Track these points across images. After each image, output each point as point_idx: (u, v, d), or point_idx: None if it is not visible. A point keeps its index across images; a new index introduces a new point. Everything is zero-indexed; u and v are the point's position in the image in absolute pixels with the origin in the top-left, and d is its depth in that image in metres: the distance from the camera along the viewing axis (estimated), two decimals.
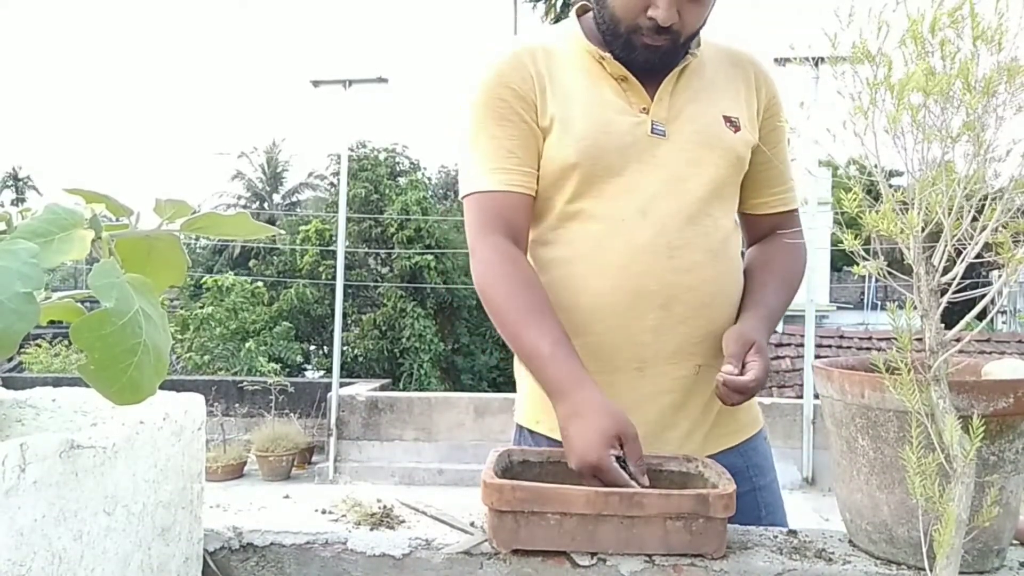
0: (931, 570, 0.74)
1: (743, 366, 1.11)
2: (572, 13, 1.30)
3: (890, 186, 0.77)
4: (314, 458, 8.00)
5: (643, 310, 1.17)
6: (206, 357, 11.82)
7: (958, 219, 0.75)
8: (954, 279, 0.77)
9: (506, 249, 1.17)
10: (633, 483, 0.98)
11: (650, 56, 1.17)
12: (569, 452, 1.04)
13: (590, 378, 1.09)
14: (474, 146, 1.21)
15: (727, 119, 1.22)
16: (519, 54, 1.22)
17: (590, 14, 1.27)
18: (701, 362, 1.21)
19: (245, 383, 8.41)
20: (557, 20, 12.84)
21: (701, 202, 1.19)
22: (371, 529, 0.96)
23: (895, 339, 0.78)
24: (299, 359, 13.46)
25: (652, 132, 1.19)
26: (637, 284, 1.16)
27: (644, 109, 1.20)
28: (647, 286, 1.16)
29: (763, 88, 1.29)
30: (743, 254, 1.34)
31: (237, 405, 8.22)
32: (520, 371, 1.32)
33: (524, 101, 1.20)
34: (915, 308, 0.78)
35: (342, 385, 8.03)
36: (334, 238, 12.79)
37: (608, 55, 1.20)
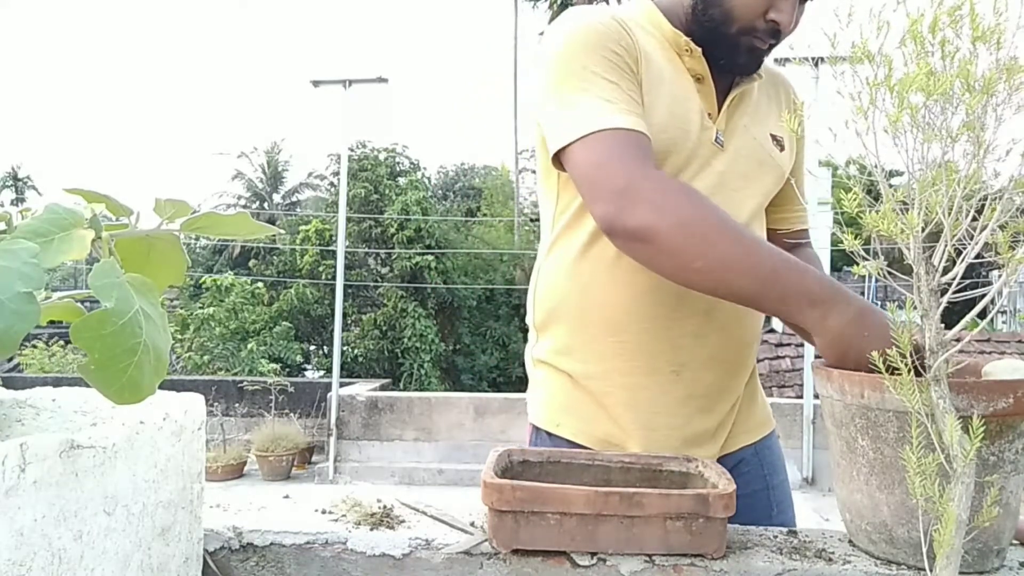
0: (931, 570, 0.74)
1: None
2: None
3: (890, 186, 0.77)
4: (314, 458, 8.01)
5: (686, 313, 1.15)
6: (206, 357, 11.82)
7: (958, 219, 0.75)
8: (954, 279, 0.77)
9: (674, 179, 1.03)
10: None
11: (752, 60, 1.15)
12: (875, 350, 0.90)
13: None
14: (583, 89, 1.04)
15: (774, 137, 1.23)
16: (616, 20, 1.11)
17: (692, 9, 1.16)
18: (731, 368, 1.21)
19: (245, 383, 8.42)
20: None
21: (750, 214, 1.19)
22: (371, 529, 0.96)
23: (895, 339, 0.78)
24: (299, 359, 13.46)
25: (715, 141, 1.17)
26: (682, 287, 1.10)
27: (710, 115, 1.17)
28: (691, 291, 1.11)
29: (796, 111, 1.30)
30: None
31: (237, 405, 8.23)
32: (536, 371, 1.29)
33: (635, 61, 1.10)
34: (915, 308, 0.78)
35: (342, 385, 8.04)
36: (334, 238, 12.80)
37: (698, 49, 1.14)
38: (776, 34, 1.11)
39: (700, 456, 1.06)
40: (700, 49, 1.15)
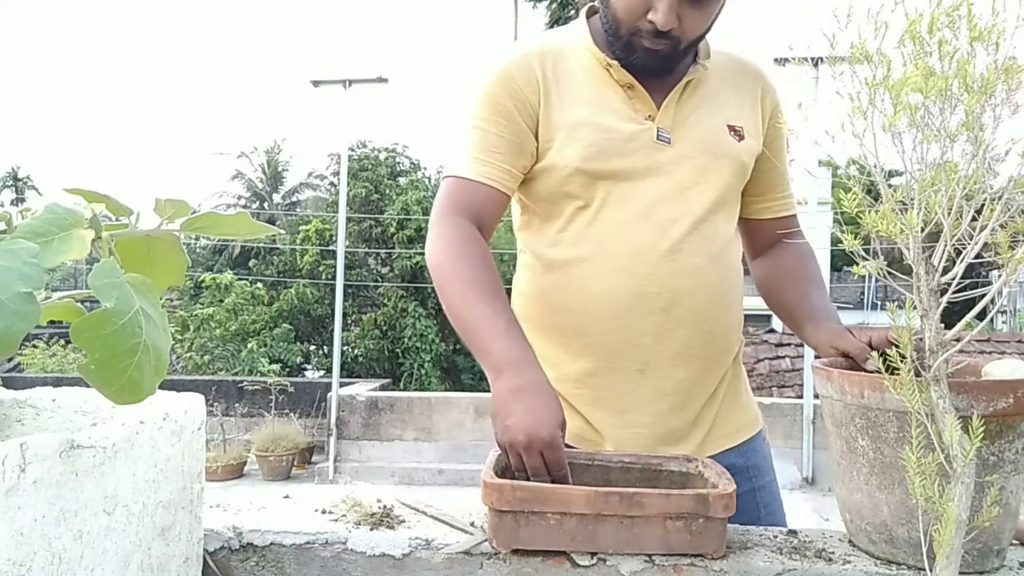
0: (931, 570, 0.74)
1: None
2: (582, 14, 1.29)
3: (890, 186, 0.77)
4: (314, 458, 8.00)
5: (644, 313, 1.17)
6: (206, 357, 11.82)
7: (958, 219, 0.75)
8: (954, 279, 0.77)
9: (470, 231, 1.18)
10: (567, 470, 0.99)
11: (649, 60, 1.17)
12: (512, 424, 1.00)
13: (530, 359, 1.08)
14: (466, 133, 1.22)
15: (731, 128, 1.23)
16: (529, 56, 1.22)
17: (599, 16, 1.26)
18: (701, 365, 1.22)
19: (245, 383, 8.41)
20: (556, 22, 12.82)
21: (705, 209, 1.20)
22: (371, 529, 0.96)
23: (895, 339, 0.78)
24: (299, 360, 13.46)
25: (658, 139, 1.19)
26: (639, 287, 1.16)
27: (649, 116, 1.20)
28: (648, 289, 1.16)
29: (767, 98, 1.30)
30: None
31: (237, 405, 8.22)
32: None
33: (523, 103, 1.20)
34: (915, 308, 0.78)
35: (342, 385, 8.03)
36: (334, 238, 12.80)
37: (615, 63, 1.20)
38: (661, 35, 1.13)
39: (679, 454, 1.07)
40: (617, 62, 1.19)
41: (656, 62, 1.18)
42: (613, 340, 1.19)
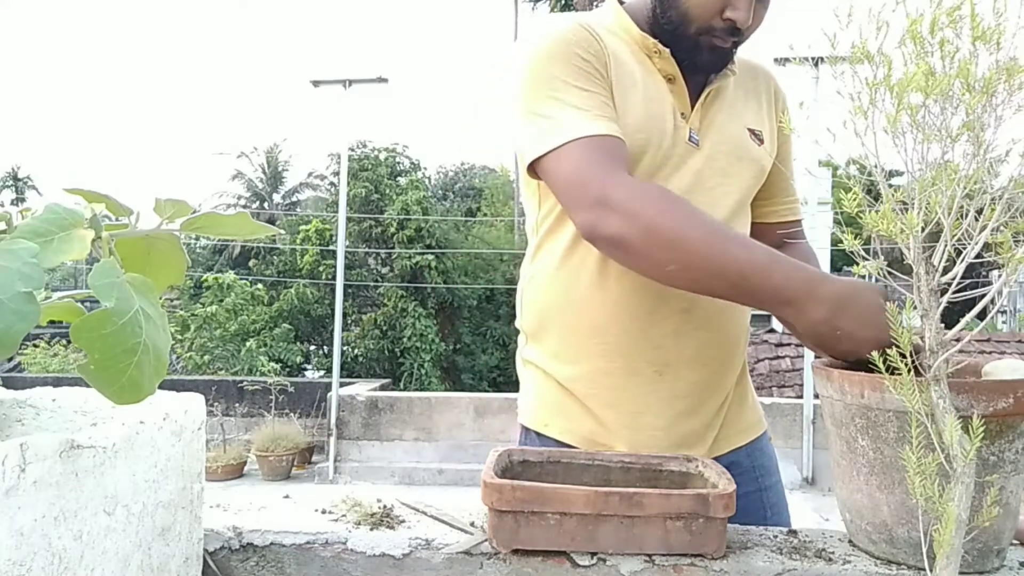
0: (931, 570, 0.74)
1: None
2: (611, 1, 1.24)
3: (890, 186, 0.77)
4: (314, 458, 8.01)
5: (665, 314, 1.16)
6: (206, 357, 11.83)
7: (958, 219, 0.75)
8: (954, 279, 0.77)
9: (647, 183, 1.05)
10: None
11: (715, 59, 1.14)
12: (863, 338, 0.91)
13: (819, 271, 0.98)
14: (554, 99, 1.07)
15: (752, 132, 1.23)
16: (583, 27, 1.13)
17: (632, 3, 1.22)
18: (717, 367, 1.21)
19: (245, 383, 8.42)
20: None
21: (728, 211, 1.19)
22: (371, 529, 0.96)
23: (895, 339, 0.78)
24: (299, 360, 13.47)
25: (689, 140, 1.17)
26: (660, 288, 1.13)
27: (683, 115, 1.17)
28: (670, 290, 1.14)
29: (778, 102, 1.30)
30: None
31: (237, 405, 8.23)
32: (525, 372, 1.31)
33: (604, 66, 1.12)
34: (915, 308, 0.78)
35: (342, 385, 8.04)
36: (334, 238, 12.81)
37: (666, 49, 1.15)
38: (735, 32, 1.11)
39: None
40: (668, 50, 1.16)
41: (721, 60, 1.15)
42: (632, 340, 1.17)
